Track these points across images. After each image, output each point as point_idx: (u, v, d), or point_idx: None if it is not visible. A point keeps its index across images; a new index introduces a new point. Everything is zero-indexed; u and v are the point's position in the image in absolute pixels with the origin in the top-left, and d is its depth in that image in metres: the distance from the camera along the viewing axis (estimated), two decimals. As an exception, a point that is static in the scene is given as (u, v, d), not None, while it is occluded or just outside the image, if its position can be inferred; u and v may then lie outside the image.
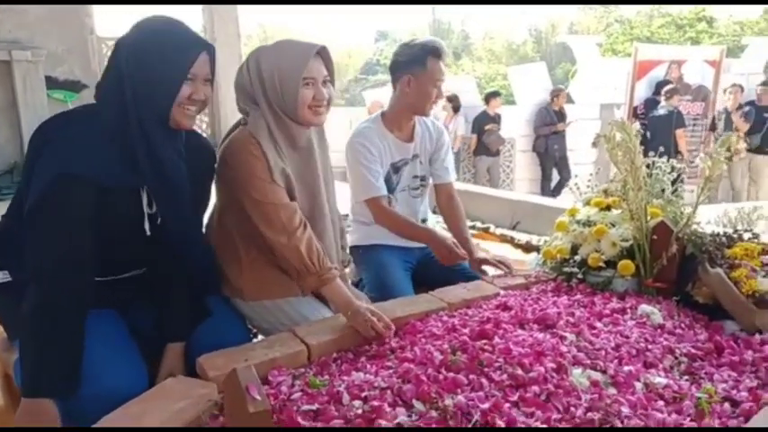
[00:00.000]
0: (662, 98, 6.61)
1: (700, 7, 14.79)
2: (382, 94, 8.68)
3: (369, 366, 1.17)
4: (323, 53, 1.45)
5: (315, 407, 0.98)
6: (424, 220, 2.13)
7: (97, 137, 1.23)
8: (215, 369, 1.15)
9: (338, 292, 1.42)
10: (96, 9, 5.90)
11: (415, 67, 1.89)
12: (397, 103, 1.98)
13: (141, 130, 1.23)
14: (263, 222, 1.41)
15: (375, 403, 0.97)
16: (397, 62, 1.95)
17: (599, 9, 17.90)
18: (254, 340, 1.52)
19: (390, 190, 2.00)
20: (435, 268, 2.02)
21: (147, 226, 1.32)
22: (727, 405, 1.03)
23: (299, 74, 1.39)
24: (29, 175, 1.21)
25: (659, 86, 7.00)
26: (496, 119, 7.42)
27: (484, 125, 7.36)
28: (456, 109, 7.34)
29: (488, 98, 7.63)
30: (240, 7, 6.45)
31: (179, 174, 1.33)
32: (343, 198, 2.19)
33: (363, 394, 1.01)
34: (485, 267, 1.95)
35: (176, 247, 1.39)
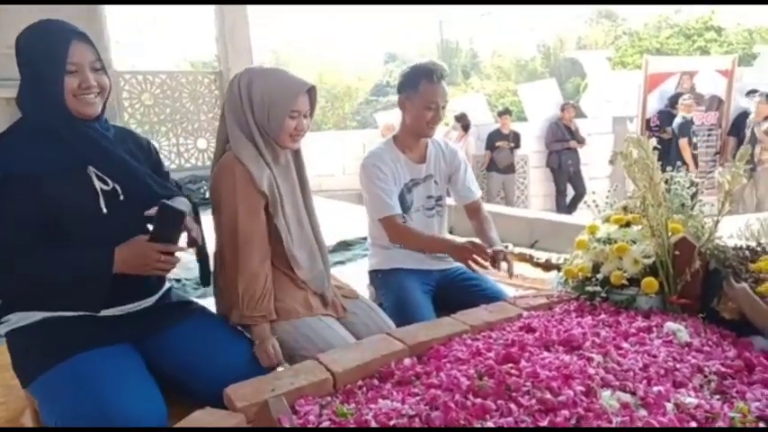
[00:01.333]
0: (678, 109, 6.63)
1: (707, 16, 14.76)
2: (394, 116, 8.78)
3: (395, 393, 1.16)
4: (310, 91, 1.58)
5: (352, 427, 0.98)
6: None
7: (23, 134, 1.32)
8: (242, 400, 1.15)
9: (257, 331, 1.51)
10: (113, 44, 6.07)
11: (409, 89, 1.95)
12: (402, 125, 2.05)
13: (51, 125, 1.32)
14: (227, 242, 1.52)
15: None
16: (398, 84, 2.03)
17: (606, 23, 17.96)
18: (278, 368, 1.52)
19: (405, 210, 2.02)
20: (455, 290, 2.02)
21: (102, 203, 1.35)
22: (762, 424, 1.01)
23: (288, 106, 1.51)
24: None
25: (673, 99, 7.00)
26: (509, 136, 7.46)
27: (495, 142, 7.41)
28: (465, 128, 7.39)
29: (498, 116, 7.72)
30: (253, 36, 6.58)
31: (113, 152, 1.40)
32: (361, 220, 2.21)
33: (392, 422, 1.01)
34: (506, 287, 1.95)
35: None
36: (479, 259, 1.76)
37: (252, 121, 1.53)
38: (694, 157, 6.67)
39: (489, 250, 1.87)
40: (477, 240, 1.87)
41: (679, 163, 1.83)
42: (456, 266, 2.10)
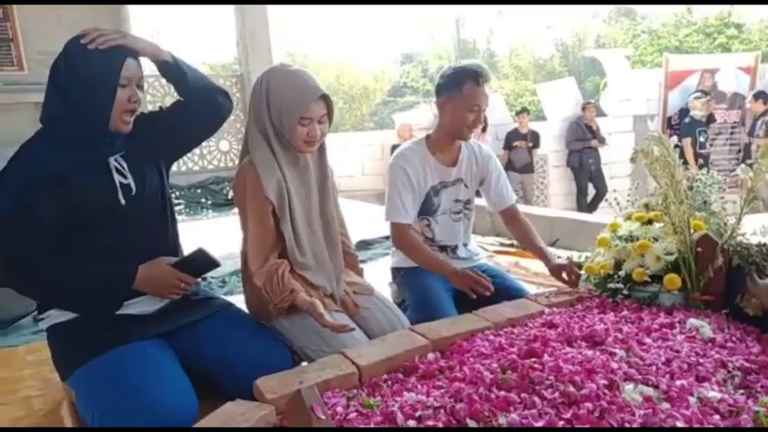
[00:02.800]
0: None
1: (725, 13, 14.52)
2: (411, 116, 8.80)
3: (420, 386, 1.19)
4: (326, 97, 1.57)
5: (371, 427, 1.01)
6: (465, 244, 2.14)
7: (48, 140, 1.36)
8: (272, 392, 1.19)
9: (299, 305, 1.52)
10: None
11: (452, 90, 1.92)
12: (438, 126, 2.02)
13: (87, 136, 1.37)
14: (243, 244, 1.58)
15: (429, 423, 0.99)
16: (438, 84, 1.98)
17: (625, 21, 17.76)
18: (303, 363, 1.56)
19: (431, 212, 2.03)
20: (477, 287, 2.03)
21: (120, 195, 1.40)
22: (787, 418, 1.02)
23: (298, 113, 1.52)
24: None
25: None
26: (527, 136, 7.44)
27: (513, 142, 7.41)
28: (483, 128, 7.39)
29: (516, 115, 7.72)
30: (272, 38, 6.65)
31: (130, 151, 1.46)
32: (382, 220, 2.23)
33: (417, 414, 1.03)
34: (528, 285, 1.95)
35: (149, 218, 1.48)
36: (480, 289, 1.73)
37: (269, 123, 1.56)
38: (702, 157, 6.58)
39: (552, 264, 1.90)
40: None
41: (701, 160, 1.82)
42: (477, 264, 2.11)
